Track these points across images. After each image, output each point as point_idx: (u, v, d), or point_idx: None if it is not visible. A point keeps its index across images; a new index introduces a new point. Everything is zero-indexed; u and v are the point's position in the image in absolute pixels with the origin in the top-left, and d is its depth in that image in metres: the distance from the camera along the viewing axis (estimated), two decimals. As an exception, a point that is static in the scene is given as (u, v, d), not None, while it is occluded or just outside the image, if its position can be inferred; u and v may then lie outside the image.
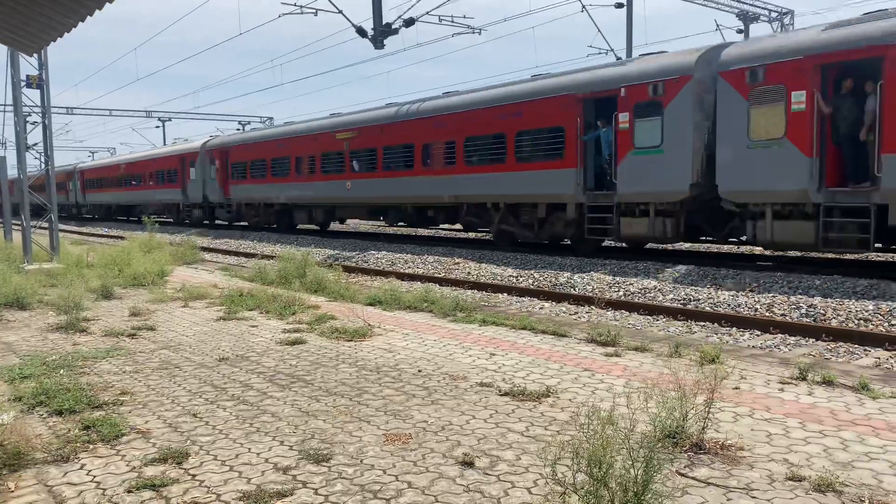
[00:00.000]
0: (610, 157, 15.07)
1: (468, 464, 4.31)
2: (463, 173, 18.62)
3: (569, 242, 17.51)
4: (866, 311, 9.53)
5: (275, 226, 29.50)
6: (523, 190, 16.88)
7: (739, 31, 30.19)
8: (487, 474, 4.16)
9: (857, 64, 11.34)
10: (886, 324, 9.14)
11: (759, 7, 30.72)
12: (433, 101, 20.21)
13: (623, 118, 14.50)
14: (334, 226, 31.18)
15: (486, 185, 17.85)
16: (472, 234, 25.32)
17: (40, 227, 18.91)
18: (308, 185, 25.29)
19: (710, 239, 15.76)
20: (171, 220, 37.88)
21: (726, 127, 12.82)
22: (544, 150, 16.25)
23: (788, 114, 11.88)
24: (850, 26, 11.55)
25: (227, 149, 31.25)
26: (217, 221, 34.80)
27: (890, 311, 9.42)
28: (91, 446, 4.76)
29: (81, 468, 4.41)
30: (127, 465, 4.43)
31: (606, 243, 17.53)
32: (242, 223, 32.42)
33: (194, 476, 4.24)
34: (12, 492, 4.11)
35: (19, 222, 17.00)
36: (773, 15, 31.11)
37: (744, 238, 13.74)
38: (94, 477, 4.26)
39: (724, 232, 14.06)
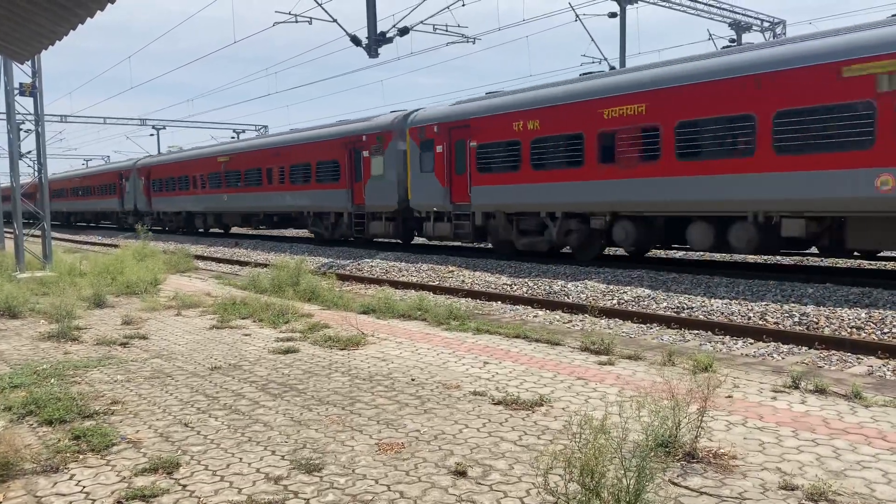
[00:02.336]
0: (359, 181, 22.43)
1: (461, 473, 4.29)
2: (289, 190, 26.17)
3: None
4: (859, 320, 9.55)
5: (184, 229, 36.55)
6: (321, 202, 24.58)
7: (732, 41, 30.35)
8: (480, 484, 4.14)
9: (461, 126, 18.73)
10: (879, 332, 9.16)
11: (751, 17, 30.93)
12: (272, 136, 29.77)
13: (366, 155, 22.02)
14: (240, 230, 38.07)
15: (302, 199, 25.44)
16: (459, 243, 25.59)
17: (33, 235, 18.83)
18: (200, 197, 33.15)
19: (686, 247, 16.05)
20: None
21: (411, 163, 20.31)
22: (330, 174, 23.79)
23: (435, 155, 19.40)
24: (459, 104, 19.27)
25: (149, 168, 38.91)
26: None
27: (882, 319, 9.44)
28: (81, 456, 4.73)
29: (71, 478, 4.37)
30: (117, 476, 4.39)
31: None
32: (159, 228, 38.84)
33: (185, 486, 4.21)
34: (0, 503, 4.07)
35: (11, 230, 16.93)
36: (766, 24, 31.31)
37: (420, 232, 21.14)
38: (84, 487, 4.23)
39: (418, 228, 21.20)
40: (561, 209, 16.15)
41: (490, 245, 19.33)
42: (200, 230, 36.20)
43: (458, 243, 22.21)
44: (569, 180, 15.71)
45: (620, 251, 19.16)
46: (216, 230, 36.56)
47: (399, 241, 23.18)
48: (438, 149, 19.20)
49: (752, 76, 12.44)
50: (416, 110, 20.83)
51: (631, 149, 14.43)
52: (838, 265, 14.09)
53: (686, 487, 4.01)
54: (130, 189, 40.93)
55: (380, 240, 24.67)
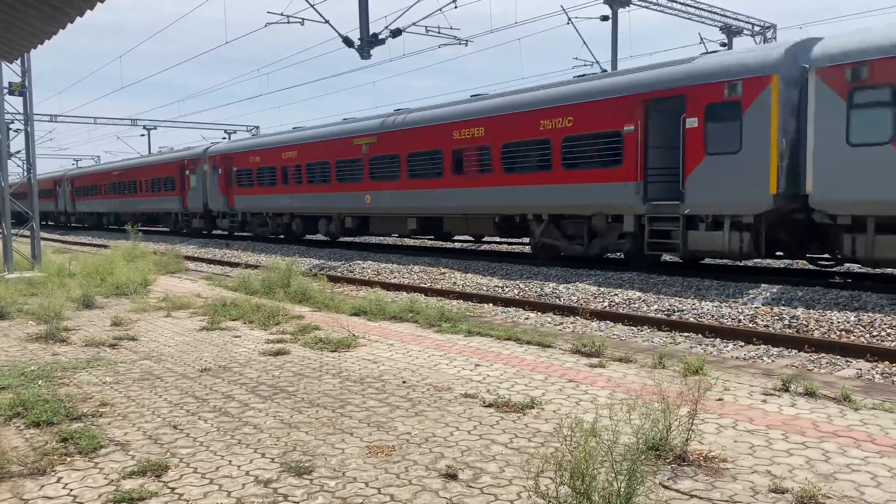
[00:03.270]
0: None
1: (451, 476, 4.28)
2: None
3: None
4: (848, 323, 9.60)
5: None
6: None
7: (723, 45, 30.50)
8: (471, 487, 4.13)
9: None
10: (868, 335, 9.21)
11: (742, 21, 31.09)
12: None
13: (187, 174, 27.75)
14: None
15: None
16: (455, 244, 25.48)
17: (22, 236, 18.71)
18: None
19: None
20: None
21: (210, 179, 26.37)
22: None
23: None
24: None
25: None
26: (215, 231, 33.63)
27: (871, 322, 9.49)
28: (68, 459, 4.69)
29: (58, 481, 4.33)
30: (105, 478, 4.36)
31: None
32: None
33: (174, 489, 4.18)
34: (-14, 506, 4.03)
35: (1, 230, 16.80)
36: (756, 29, 31.49)
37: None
38: (71, 490, 4.19)
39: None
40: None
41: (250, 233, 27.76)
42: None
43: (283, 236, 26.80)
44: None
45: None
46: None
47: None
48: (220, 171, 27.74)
49: (547, 108, 16.12)
50: (214, 143, 23.35)
51: (476, 164, 17.90)
52: (827, 269, 14.17)
53: (676, 490, 4.01)
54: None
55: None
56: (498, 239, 25.74)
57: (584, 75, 17.12)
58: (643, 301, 12.08)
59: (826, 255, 13.37)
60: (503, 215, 18.03)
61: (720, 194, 12.90)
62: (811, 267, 14.83)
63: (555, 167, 15.94)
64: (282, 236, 27.90)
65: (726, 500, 3.89)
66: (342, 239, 26.16)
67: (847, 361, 8.28)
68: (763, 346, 9.09)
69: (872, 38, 11.16)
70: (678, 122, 13.58)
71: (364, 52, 19.40)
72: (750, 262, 15.60)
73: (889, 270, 15.25)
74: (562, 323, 11.09)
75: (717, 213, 13.06)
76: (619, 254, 16.71)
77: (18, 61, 15.68)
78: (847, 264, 13.53)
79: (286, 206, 26.28)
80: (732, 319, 10.53)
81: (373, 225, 22.84)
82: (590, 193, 15.22)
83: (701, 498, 3.92)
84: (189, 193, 32.91)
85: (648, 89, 14.05)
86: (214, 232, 33.64)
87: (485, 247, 24.54)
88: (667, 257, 16.00)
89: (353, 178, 22.33)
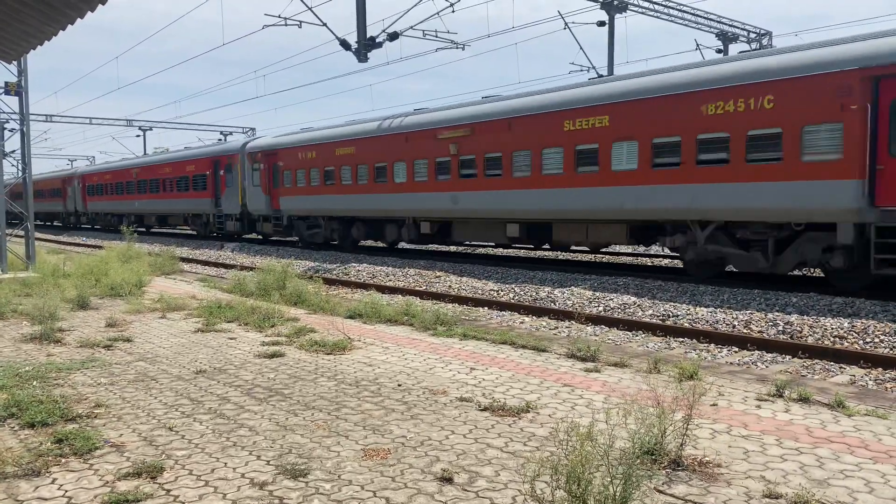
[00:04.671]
0: None
1: (447, 479, 4.28)
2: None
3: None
4: (842, 329, 9.65)
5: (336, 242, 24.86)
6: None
7: (719, 51, 30.63)
8: (466, 490, 4.14)
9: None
10: (861, 342, 9.25)
11: (737, 28, 31.21)
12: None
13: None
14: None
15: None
16: (456, 248, 25.45)
17: (16, 236, 18.64)
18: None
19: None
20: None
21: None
22: None
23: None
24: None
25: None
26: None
27: (865, 328, 9.54)
28: (63, 460, 4.68)
29: (53, 482, 4.32)
30: (100, 480, 4.35)
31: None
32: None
33: (169, 491, 4.17)
34: (-19, 507, 4.02)
35: None
36: (752, 35, 31.62)
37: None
38: (66, 492, 4.18)
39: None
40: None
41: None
42: (383, 245, 25.08)
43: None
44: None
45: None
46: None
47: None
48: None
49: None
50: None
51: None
52: (818, 275, 14.22)
53: (671, 495, 4.03)
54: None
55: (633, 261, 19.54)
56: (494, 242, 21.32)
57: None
58: (638, 306, 12.11)
59: None
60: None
61: None
62: (807, 274, 14.88)
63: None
64: (334, 242, 24.80)
65: (721, 505, 3.90)
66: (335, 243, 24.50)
67: (841, 368, 8.32)
68: (757, 352, 9.12)
69: None
70: None
71: (361, 55, 19.42)
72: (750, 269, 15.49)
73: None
74: (557, 327, 11.11)
75: None
76: (813, 270, 14.73)
77: (14, 62, 15.63)
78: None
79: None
80: (727, 325, 10.56)
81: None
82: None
83: (695, 503, 3.93)
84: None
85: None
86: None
87: (479, 250, 24.54)
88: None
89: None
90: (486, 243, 22.40)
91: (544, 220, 16.74)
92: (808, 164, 11.78)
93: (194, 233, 34.83)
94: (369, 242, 26.93)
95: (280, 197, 26.21)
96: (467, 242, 22.43)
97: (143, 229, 40.45)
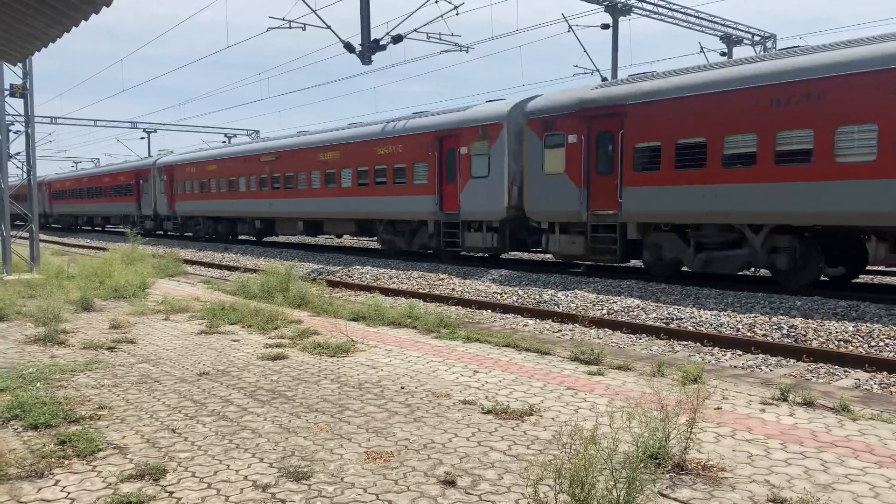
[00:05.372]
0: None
1: (450, 483, 4.27)
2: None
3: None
4: (846, 333, 9.61)
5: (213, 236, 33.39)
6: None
7: (723, 54, 30.61)
8: (469, 494, 4.13)
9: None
10: (866, 345, 9.22)
11: (742, 31, 31.19)
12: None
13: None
14: (320, 239, 35.56)
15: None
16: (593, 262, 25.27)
17: (20, 238, 18.69)
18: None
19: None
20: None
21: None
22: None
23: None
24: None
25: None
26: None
27: (869, 332, 9.50)
28: (66, 462, 4.68)
29: (56, 484, 4.32)
30: (103, 482, 4.35)
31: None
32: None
33: (171, 493, 4.17)
34: (-16, 508, 4.02)
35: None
36: (756, 38, 31.59)
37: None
38: (69, 493, 4.18)
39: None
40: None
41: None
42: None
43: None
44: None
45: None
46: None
47: (501, 255, 20.19)
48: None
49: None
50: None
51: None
52: (824, 279, 14.19)
53: (675, 499, 4.01)
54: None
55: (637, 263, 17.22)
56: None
57: None
58: (642, 309, 12.08)
59: None
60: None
61: None
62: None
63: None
64: (213, 236, 32.94)
65: (725, 510, 3.89)
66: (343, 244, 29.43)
67: (845, 371, 8.29)
68: (761, 356, 9.09)
69: None
70: None
71: (365, 57, 19.44)
72: (749, 272, 15.56)
73: (888, 280, 15.29)
74: (560, 330, 11.09)
75: None
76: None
77: (20, 64, 15.69)
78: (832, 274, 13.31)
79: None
80: (731, 328, 10.53)
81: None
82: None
83: (699, 507, 3.91)
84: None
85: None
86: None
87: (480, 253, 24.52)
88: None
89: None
90: (292, 235, 29.60)
91: (317, 219, 25.35)
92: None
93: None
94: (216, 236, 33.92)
95: (176, 202, 34.47)
96: (282, 235, 31.11)
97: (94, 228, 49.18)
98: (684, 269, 14.82)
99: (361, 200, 22.46)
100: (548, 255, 19.38)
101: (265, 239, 32.84)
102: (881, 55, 11.26)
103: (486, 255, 20.41)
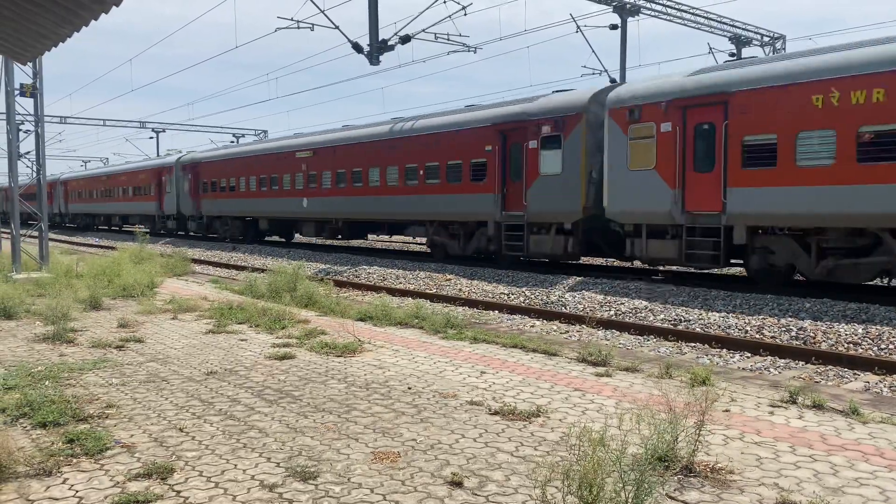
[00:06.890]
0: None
1: (457, 484, 4.26)
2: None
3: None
4: (856, 335, 9.55)
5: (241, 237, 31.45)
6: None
7: (732, 55, 30.47)
8: (476, 495, 4.12)
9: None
10: (876, 348, 9.16)
11: (751, 31, 31.06)
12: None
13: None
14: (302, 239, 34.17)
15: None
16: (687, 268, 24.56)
17: (30, 237, 18.79)
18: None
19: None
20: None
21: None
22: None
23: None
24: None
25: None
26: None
27: (879, 335, 9.44)
28: (75, 460, 4.69)
29: (64, 482, 4.34)
30: (111, 480, 4.36)
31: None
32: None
33: (179, 492, 4.18)
34: (-8, 506, 4.04)
35: (7, 230, 16.89)
36: (766, 39, 31.45)
37: None
38: (77, 492, 4.19)
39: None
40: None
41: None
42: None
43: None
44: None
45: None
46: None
47: (573, 262, 18.00)
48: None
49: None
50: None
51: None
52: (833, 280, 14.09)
53: (683, 502, 3.99)
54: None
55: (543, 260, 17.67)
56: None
57: None
58: (650, 310, 12.04)
59: None
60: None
61: None
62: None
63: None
64: (240, 237, 30.97)
65: (733, 513, 3.86)
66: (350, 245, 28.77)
67: (855, 374, 8.24)
68: (770, 358, 9.05)
69: None
70: None
71: (373, 58, 19.45)
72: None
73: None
74: (568, 331, 11.07)
75: None
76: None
77: (30, 63, 15.78)
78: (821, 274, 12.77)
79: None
80: (739, 330, 10.48)
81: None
82: None
83: (708, 510, 3.89)
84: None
85: None
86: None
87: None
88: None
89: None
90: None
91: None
92: None
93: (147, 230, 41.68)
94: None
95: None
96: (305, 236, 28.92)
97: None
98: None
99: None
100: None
101: (293, 241, 31.59)
102: None
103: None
